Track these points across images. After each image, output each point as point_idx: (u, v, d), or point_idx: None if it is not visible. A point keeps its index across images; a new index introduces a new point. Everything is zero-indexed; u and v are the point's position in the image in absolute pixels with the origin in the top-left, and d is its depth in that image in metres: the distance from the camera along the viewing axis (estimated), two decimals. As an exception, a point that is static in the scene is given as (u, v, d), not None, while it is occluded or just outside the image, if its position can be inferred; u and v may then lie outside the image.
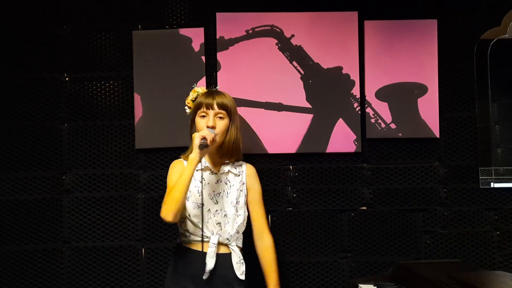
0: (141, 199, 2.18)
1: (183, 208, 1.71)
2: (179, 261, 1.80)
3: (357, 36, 2.18)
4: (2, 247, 2.16)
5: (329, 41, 2.18)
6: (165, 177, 2.16)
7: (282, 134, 2.17)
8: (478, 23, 2.20)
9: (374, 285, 1.97)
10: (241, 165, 1.88)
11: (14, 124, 2.18)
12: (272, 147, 2.17)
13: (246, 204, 1.85)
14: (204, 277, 1.70)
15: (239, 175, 1.85)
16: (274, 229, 2.17)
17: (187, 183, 1.66)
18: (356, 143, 2.18)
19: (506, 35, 2.20)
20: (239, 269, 1.76)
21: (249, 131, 2.15)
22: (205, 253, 1.73)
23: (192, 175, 1.67)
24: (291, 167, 2.20)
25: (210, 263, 1.71)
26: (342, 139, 2.17)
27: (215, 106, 1.77)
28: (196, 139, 1.66)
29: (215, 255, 1.73)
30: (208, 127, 1.74)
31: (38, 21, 2.20)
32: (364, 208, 2.20)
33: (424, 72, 2.18)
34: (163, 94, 2.17)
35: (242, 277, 1.76)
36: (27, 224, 2.17)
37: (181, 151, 2.15)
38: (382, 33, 2.19)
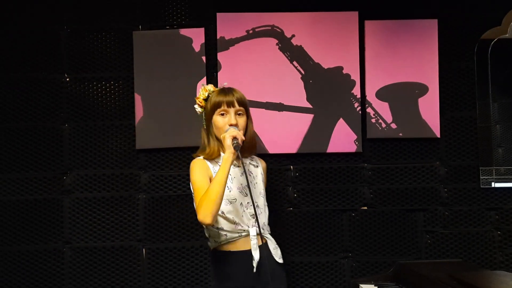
0: (141, 199, 2.18)
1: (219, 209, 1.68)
2: (222, 267, 1.76)
3: (357, 36, 2.18)
4: (3, 247, 2.16)
5: (329, 41, 2.18)
6: (166, 178, 2.17)
7: (283, 134, 2.17)
8: (478, 23, 2.20)
9: (375, 285, 1.97)
10: (253, 159, 1.90)
11: (14, 125, 2.19)
12: (273, 147, 2.17)
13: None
14: (254, 270, 1.70)
15: (257, 167, 1.88)
16: (274, 229, 2.17)
17: (223, 184, 1.63)
18: (356, 143, 2.18)
19: (507, 35, 2.20)
20: (277, 254, 1.80)
21: (250, 131, 2.15)
22: (245, 251, 1.73)
23: (227, 176, 1.65)
24: (291, 167, 2.20)
25: (256, 255, 1.71)
26: (342, 139, 2.17)
27: (236, 104, 1.76)
28: (228, 139, 1.64)
29: (257, 247, 1.73)
30: (231, 125, 1.73)
31: (39, 21, 2.20)
32: (365, 208, 2.20)
33: (424, 72, 2.18)
34: (164, 95, 2.17)
35: (281, 260, 1.80)
36: (28, 225, 2.17)
37: (182, 151, 2.17)
38: (383, 33, 2.19)
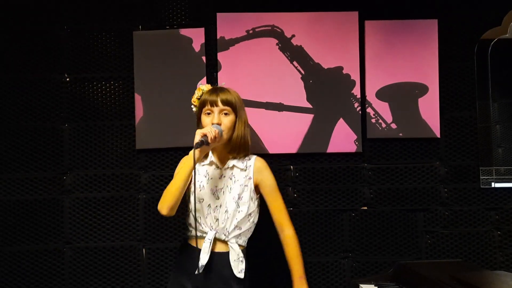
0: (142, 199, 2.18)
1: (179, 203, 1.70)
2: (179, 257, 1.83)
3: (357, 36, 2.18)
4: (3, 247, 2.17)
5: (329, 41, 2.18)
6: (166, 178, 2.18)
7: (283, 134, 2.17)
8: (478, 23, 2.20)
9: (375, 285, 1.97)
10: (249, 159, 1.82)
11: (15, 125, 2.19)
12: (273, 147, 2.17)
13: (260, 198, 1.82)
14: (196, 272, 1.69)
15: (245, 170, 1.80)
16: (274, 229, 2.16)
17: (183, 178, 1.68)
18: (356, 143, 2.18)
19: (507, 35, 2.20)
20: (237, 267, 1.72)
21: (250, 131, 2.14)
22: (199, 249, 1.72)
23: (190, 172, 1.68)
24: (292, 167, 2.20)
25: (203, 258, 1.69)
26: (342, 139, 2.17)
27: (219, 103, 1.74)
28: (197, 136, 1.64)
29: (209, 251, 1.71)
30: (213, 124, 1.72)
31: (39, 21, 2.20)
32: (365, 208, 2.20)
33: (424, 72, 2.18)
34: (164, 95, 2.17)
35: (241, 275, 1.72)
36: (28, 225, 2.17)
37: (182, 151, 2.16)
38: (383, 33, 2.19)
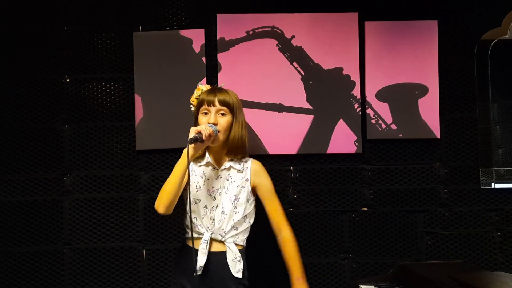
0: (141, 200, 2.19)
1: (176, 201, 1.69)
2: (178, 258, 1.84)
3: (357, 37, 2.18)
4: (3, 248, 2.16)
5: (329, 42, 2.18)
6: (166, 178, 2.16)
7: (283, 135, 2.17)
8: (478, 24, 2.20)
9: (375, 286, 1.97)
10: (246, 161, 1.83)
11: (15, 126, 2.19)
12: (273, 148, 2.17)
13: (256, 200, 1.83)
14: (195, 274, 1.69)
15: (242, 171, 1.80)
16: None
17: (178, 175, 1.67)
18: (356, 144, 2.18)
19: (507, 36, 2.20)
20: (235, 267, 1.73)
21: (250, 132, 2.14)
22: (197, 250, 1.72)
23: (184, 169, 1.67)
24: (292, 168, 2.20)
25: (201, 259, 1.70)
26: (342, 140, 2.17)
27: (217, 103, 1.75)
28: (191, 132, 1.64)
29: (206, 252, 1.71)
30: (209, 123, 1.73)
31: (39, 22, 2.20)
32: (365, 209, 2.20)
33: (424, 73, 2.19)
34: (164, 95, 2.17)
35: (239, 275, 1.72)
36: (28, 226, 2.17)
37: (182, 152, 2.16)
38: (383, 34, 2.19)
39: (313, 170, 2.20)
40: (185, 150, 1.66)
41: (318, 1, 2.20)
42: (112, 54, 2.21)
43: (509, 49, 2.21)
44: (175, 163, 2.15)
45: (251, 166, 1.82)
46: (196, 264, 1.70)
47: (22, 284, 2.16)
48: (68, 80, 2.21)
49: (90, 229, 2.18)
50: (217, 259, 1.73)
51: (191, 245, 1.73)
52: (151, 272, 2.17)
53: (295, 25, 2.18)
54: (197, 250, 1.72)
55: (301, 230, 2.18)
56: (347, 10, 2.19)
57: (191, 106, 1.88)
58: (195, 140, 1.61)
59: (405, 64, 2.19)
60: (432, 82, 2.18)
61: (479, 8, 2.21)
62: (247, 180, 1.80)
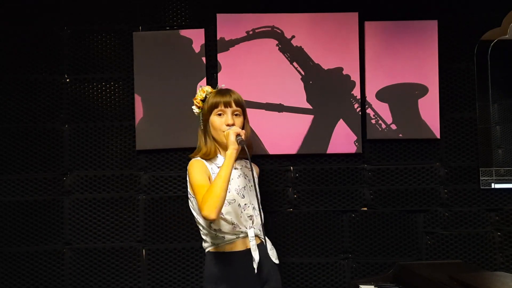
0: (141, 200, 2.18)
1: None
2: (219, 269, 1.74)
3: (357, 37, 2.18)
4: (3, 248, 2.16)
5: (329, 42, 2.18)
6: (166, 178, 2.17)
7: (283, 135, 2.17)
8: (478, 24, 2.20)
9: (375, 286, 1.97)
10: (248, 162, 1.85)
11: (15, 126, 2.19)
12: (273, 148, 2.17)
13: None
14: (255, 272, 1.71)
15: (252, 170, 1.83)
16: (274, 230, 2.17)
17: (227, 179, 1.64)
18: (356, 144, 2.18)
19: (507, 36, 2.20)
20: (273, 255, 1.81)
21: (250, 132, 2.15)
22: (242, 251, 1.73)
23: (231, 172, 1.66)
24: (291, 168, 2.20)
25: (256, 256, 1.72)
26: (342, 140, 2.17)
27: (233, 104, 1.77)
28: (231, 135, 1.67)
29: (256, 248, 1.73)
30: (228, 125, 1.74)
31: (39, 22, 2.20)
32: (365, 209, 2.20)
33: (424, 73, 2.19)
34: (164, 95, 2.17)
35: (277, 261, 1.81)
36: (28, 226, 2.17)
37: (182, 152, 2.17)
38: (383, 34, 2.19)
39: (313, 170, 2.20)
40: (229, 153, 1.66)
41: (318, 1, 2.20)
42: (112, 54, 2.21)
43: (509, 49, 2.21)
44: (175, 163, 2.17)
45: (254, 168, 1.88)
46: (235, 266, 1.71)
47: (22, 284, 2.16)
48: (68, 80, 2.21)
49: (90, 229, 2.18)
50: (259, 252, 1.74)
51: (227, 249, 1.73)
52: (151, 272, 2.17)
53: (295, 25, 2.18)
54: (235, 252, 1.73)
55: (301, 230, 2.18)
56: (347, 10, 2.19)
57: (194, 107, 1.86)
58: (243, 142, 1.66)
59: (405, 64, 2.19)
60: (432, 82, 2.18)
61: (479, 8, 2.21)
62: (256, 177, 1.87)
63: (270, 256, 1.79)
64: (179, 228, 2.17)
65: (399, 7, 2.21)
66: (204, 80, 2.17)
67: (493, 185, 2.18)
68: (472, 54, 2.20)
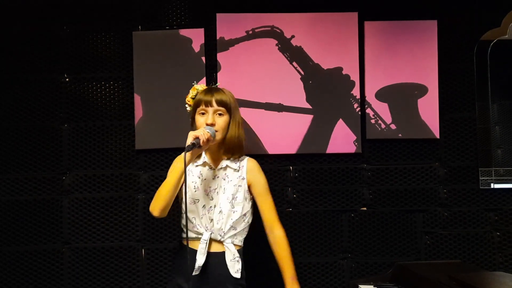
0: (141, 199, 2.18)
1: (171, 204, 1.71)
2: (176, 259, 1.84)
3: (357, 37, 2.18)
4: (2, 248, 2.16)
5: (329, 41, 2.18)
6: (165, 178, 2.17)
7: (282, 134, 2.17)
8: (478, 24, 2.20)
9: (374, 286, 1.97)
10: (242, 160, 1.83)
11: (14, 125, 2.18)
12: (272, 147, 2.17)
13: (253, 199, 1.82)
14: (194, 273, 1.70)
15: (238, 170, 1.81)
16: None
17: (174, 180, 1.68)
18: (356, 143, 2.18)
19: (506, 36, 2.20)
20: (233, 267, 1.74)
21: (250, 131, 2.15)
22: (196, 250, 1.73)
23: (181, 174, 1.68)
24: (291, 167, 2.20)
25: (200, 259, 1.71)
26: (342, 139, 2.17)
27: (214, 103, 1.75)
28: (189, 138, 1.64)
29: (206, 252, 1.72)
30: (207, 124, 1.73)
31: (39, 22, 2.20)
32: (364, 208, 2.20)
33: (424, 73, 2.19)
34: (163, 95, 2.17)
35: (237, 275, 1.73)
36: (27, 225, 2.17)
37: (181, 151, 2.15)
38: (382, 33, 2.19)
39: (313, 170, 2.20)
40: (180, 156, 1.67)
41: (318, 1, 2.20)
42: (112, 53, 2.21)
43: (508, 49, 2.21)
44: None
45: (247, 164, 1.83)
46: (194, 264, 1.70)
47: (21, 283, 2.15)
48: (67, 79, 2.20)
49: (89, 229, 2.17)
50: (215, 259, 1.73)
51: (188, 245, 1.73)
52: (150, 272, 2.17)
53: (295, 25, 2.18)
54: (195, 250, 1.73)
55: (300, 230, 2.18)
56: (346, 10, 2.19)
57: (186, 106, 1.90)
58: (193, 146, 1.61)
59: (405, 64, 2.19)
60: (432, 82, 2.19)
61: (479, 8, 2.21)
62: (243, 178, 1.80)
63: (228, 267, 1.73)
64: (178, 227, 2.17)
65: (398, 7, 2.21)
66: (204, 79, 2.17)
67: (492, 185, 2.18)
68: (471, 54, 2.20)
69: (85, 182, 2.18)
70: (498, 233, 2.18)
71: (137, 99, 2.18)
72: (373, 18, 2.19)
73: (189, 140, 1.62)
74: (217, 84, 1.90)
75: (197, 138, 1.63)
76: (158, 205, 1.68)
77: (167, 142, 2.16)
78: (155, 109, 2.17)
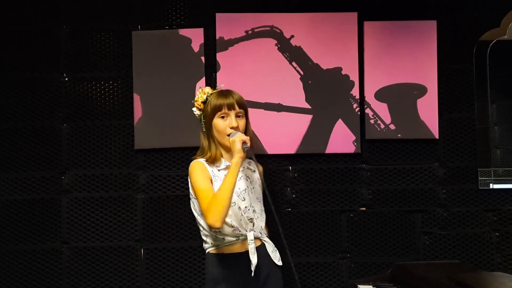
0: (140, 199, 2.18)
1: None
2: (218, 270, 1.74)
3: (356, 37, 2.18)
4: (1, 247, 2.16)
5: (328, 41, 2.18)
6: (164, 178, 2.17)
7: (282, 134, 2.17)
8: (477, 24, 2.20)
9: (373, 286, 1.97)
10: (251, 163, 1.87)
11: (13, 124, 2.18)
12: (272, 147, 2.17)
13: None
14: (253, 274, 1.71)
15: (254, 171, 1.86)
16: (273, 229, 2.16)
17: (232, 188, 1.66)
18: (355, 143, 2.18)
19: (505, 36, 2.20)
20: (276, 257, 1.80)
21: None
22: (242, 253, 1.73)
23: (235, 180, 1.67)
24: (290, 167, 2.20)
25: (254, 259, 1.72)
26: (341, 139, 2.17)
27: (236, 106, 1.76)
28: (237, 143, 1.66)
29: (255, 251, 1.73)
30: (232, 128, 1.73)
31: (38, 21, 2.19)
32: (363, 208, 2.20)
33: (423, 73, 2.19)
34: (163, 95, 2.17)
35: (280, 263, 1.80)
36: (26, 224, 2.16)
37: (181, 151, 2.17)
38: (382, 34, 2.19)
39: (312, 170, 2.20)
40: (234, 162, 1.66)
41: (317, 1, 2.20)
42: (111, 53, 2.20)
43: (507, 50, 2.21)
44: (173, 162, 2.17)
45: (257, 167, 1.86)
46: (244, 266, 1.72)
47: (20, 282, 2.15)
48: (66, 78, 2.20)
49: (88, 228, 2.17)
50: (260, 254, 1.75)
51: (227, 251, 1.74)
52: (149, 271, 2.17)
53: (294, 25, 2.18)
54: (235, 254, 1.73)
55: (299, 230, 2.18)
56: (346, 10, 2.19)
57: (194, 109, 1.85)
58: (249, 150, 1.66)
59: (404, 64, 2.19)
60: (431, 82, 2.19)
61: (478, 9, 2.21)
62: (259, 178, 1.86)
63: (272, 258, 1.78)
64: (177, 227, 2.17)
65: (398, 7, 2.21)
66: (203, 79, 2.16)
67: (491, 186, 2.18)
68: (471, 55, 2.21)
69: (84, 181, 2.18)
70: (497, 233, 2.19)
71: (137, 99, 2.17)
72: (372, 18, 2.19)
73: (238, 145, 1.66)
74: (221, 86, 1.89)
75: (244, 142, 1.67)
76: (220, 216, 1.62)
77: (166, 141, 2.16)
78: (155, 108, 2.17)
